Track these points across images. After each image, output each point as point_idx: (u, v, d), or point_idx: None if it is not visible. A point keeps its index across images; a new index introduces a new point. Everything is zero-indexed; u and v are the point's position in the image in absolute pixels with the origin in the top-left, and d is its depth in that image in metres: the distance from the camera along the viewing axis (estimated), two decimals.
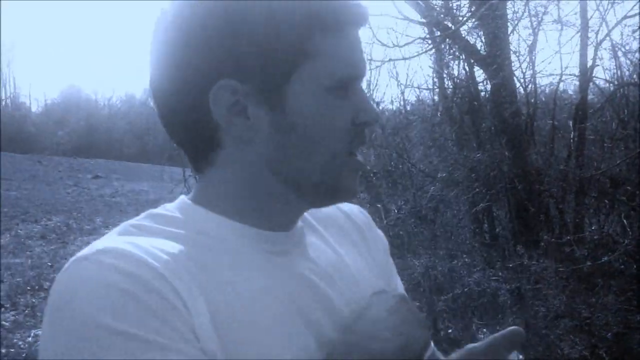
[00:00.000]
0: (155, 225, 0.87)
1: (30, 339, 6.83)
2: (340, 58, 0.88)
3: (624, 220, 5.82)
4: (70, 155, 29.88)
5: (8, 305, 7.87)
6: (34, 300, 8.14)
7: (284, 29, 0.85)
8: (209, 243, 0.87)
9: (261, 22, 0.85)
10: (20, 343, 6.69)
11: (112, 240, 0.83)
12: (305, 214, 1.02)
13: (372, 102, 0.92)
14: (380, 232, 1.19)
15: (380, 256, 1.15)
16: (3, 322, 7.25)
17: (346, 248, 1.06)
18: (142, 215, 0.91)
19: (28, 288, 8.62)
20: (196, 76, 0.87)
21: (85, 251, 0.81)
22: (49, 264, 10.11)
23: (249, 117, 0.88)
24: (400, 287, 1.18)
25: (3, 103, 37.59)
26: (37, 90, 68.02)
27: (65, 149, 31.48)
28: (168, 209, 0.93)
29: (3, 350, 6.46)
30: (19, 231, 12.57)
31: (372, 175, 7.68)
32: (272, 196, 0.92)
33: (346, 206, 1.13)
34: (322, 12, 0.87)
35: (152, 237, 0.84)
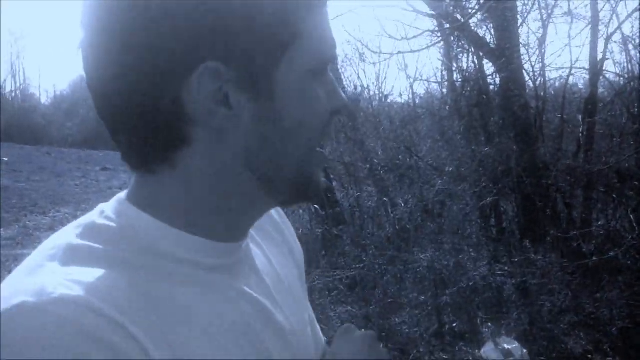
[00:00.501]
0: (95, 245, 0.74)
1: None
2: (323, 37, 0.79)
3: (631, 216, 5.77)
4: (79, 146, 30.00)
5: None
6: None
7: (276, 5, 0.74)
8: (159, 265, 0.76)
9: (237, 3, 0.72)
10: None
11: (49, 276, 0.68)
12: None
13: (337, 87, 0.82)
14: (292, 229, 1.11)
15: (298, 255, 1.09)
16: None
17: (273, 252, 0.99)
18: (76, 227, 0.78)
19: None
20: (170, 60, 0.72)
21: (21, 297, 0.64)
22: None
23: (231, 106, 0.75)
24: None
25: (13, 94, 37.74)
26: (47, 81, 68.14)
27: (74, 141, 31.61)
28: (107, 215, 0.79)
29: None
30: (27, 223, 12.61)
31: (379, 168, 7.66)
32: (239, 197, 0.81)
33: None
34: None
35: (94, 267, 0.70)
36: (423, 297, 5.46)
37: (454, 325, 5.25)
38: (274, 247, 1.00)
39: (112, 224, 0.78)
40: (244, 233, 0.87)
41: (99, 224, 0.78)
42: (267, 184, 0.81)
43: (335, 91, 0.81)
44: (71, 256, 0.72)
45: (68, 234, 0.77)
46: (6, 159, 21.19)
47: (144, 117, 0.75)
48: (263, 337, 0.83)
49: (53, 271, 0.69)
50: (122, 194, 0.83)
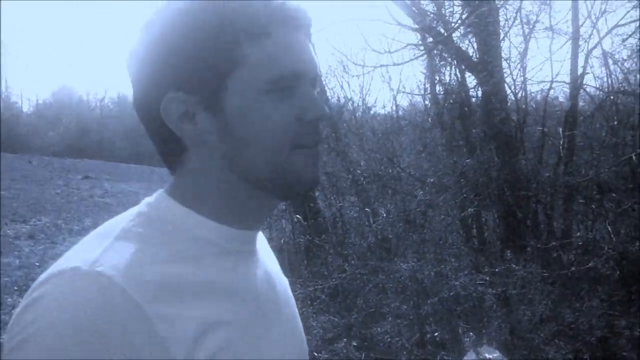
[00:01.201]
0: (139, 229, 0.95)
1: None
2: (272, 61, 0.93)
3: (610, 227, 5.85)
4: (61, 155, 29.83)
5: None
6: (20, 300, 8.10)
7: (212, 41, 0.91)
8: (185, 244, 0.96)
9: (192, 37, 0.92)
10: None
11: (107, 250, 0.90)
12: None
13: (317, 99, 0.97)
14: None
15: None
16: None
17: (275, 270, 1.19)
18: (129, 214, 0.99)
19: (15, 288, 8.58)
20: (151, 90, 0.97)
21: (78, 262, 0.87)
22: (37, 264, 10.06)
23: (196, 122, 0.96)
24: None
25: None
26: (29, 90, 67.64)
27: (57, 150, 31.43)
28: (149, 204, 1.01)
29: None
30: (8, 231, 12.52)
31: (362, 179, 7.69)
32: (235, 192, 1.00)
33: None
34: (247, 21, 0.92)
35: (134, 247, 0.91)
36: (405, 307, 5.48)
37: (436, 334, 5.29)
38: (278, 267, 1.22)
39: (152, 212, 0.99)
40: (256, 224, 1.07)
41: (143, 212, 0.99)
42: (252, 182, 0.99)
43: (308, 102, 0.96)
44: (123, 238, 0.93)
45: (123, 219, 0.98)
46: None
47: (150, 131, 1.02)
48: (269, 311, 1.05)
49: (106, 249, 0.89)
50: (163, 189, 1.04)
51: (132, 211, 1.00)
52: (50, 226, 13.33)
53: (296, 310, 1.20)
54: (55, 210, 15.37)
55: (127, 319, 0.82)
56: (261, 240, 1.15)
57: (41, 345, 0.80)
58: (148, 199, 1.02)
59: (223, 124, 0.95)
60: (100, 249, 0.89)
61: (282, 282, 1.18)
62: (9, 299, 8.11)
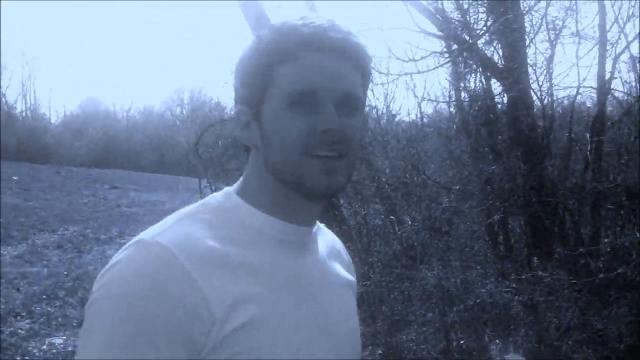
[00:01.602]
0: (204, 215, 1.15)
1: (45, 347, 6.87)
2: (293, 79, 1.11)
3: (638, 233, 5.77)
4: (88, 166, 30.15)
5: (24, 314, 7.91)
6: (49, 309, 8.18)
7: (255, 64, 1.15)
8: (239, 232, 1.15)
9: (245, 62, 1.18)
10: (35, 351, 6.73)
11: (171, 227, 1.11)
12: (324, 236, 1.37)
13: (331, 114, 1.11)
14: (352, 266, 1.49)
15: (354, 283, 1.43)
16: (19, 330, 7.29)
17: (337, 266, 1.37)
18: (199, 204, 1.20)
19: (44, 297, 8.67)
20: (234, 107, 1.24)
21: (146, 235, 1.10)
22: (65, 273, 10.17)
23: (251, 130, 1.18)
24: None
25: (24, 114, 37.99)
26: (57, 101, 68.41)
27: (84, 160, 31.75)
28: (215, 197, 1.21)
29: (18, 358, 6.49)
30: (36, 240, 12.67)
31: (386, 186, 7.67)
32: (277, 191, 1.18)
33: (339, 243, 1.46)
34: (279, 47, 1.12)
35: (194, 228, 1.11)
36: (430, 315, 5.46)
37: (462, 342, 5.25)
38: (340, 267, 1.38)
39: (214, 202, 1.20)
40: (305, 220, 1.22)
41: (207, 202, 1.20)
42: (280, 182, 1.16)
43: (321, 116, 1.11)
44: (187, 219, 1.14)
45: (191, 207, 1.19)
46: (16, 178, 21.33)
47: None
48: (310, 301, 1.19)
49: (170, 226, 1.11)
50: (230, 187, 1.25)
51: (200, 202, 1.21)
52: (77, 235, 13.47)
53: (352, 308, 1.36)
54: (83, 219, 15.53)
55: (176, 279, 1.02)
56: (326, 240, 1.36)
57: (111, 301, 1.02)
58: (215, 193, 1.23)
59: (263, 131, 1.15)
60: (165, 227, 1.11)
61: (339, 279, 1.33)
62: (38, 308, 8.20)
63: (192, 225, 1.11)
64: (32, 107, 39.86)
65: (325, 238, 1.37)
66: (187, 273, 1.02)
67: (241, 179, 1.24)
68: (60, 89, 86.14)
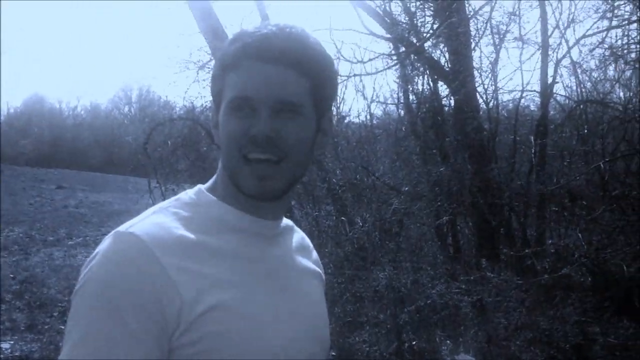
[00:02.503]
0: (175, 209, 1.23)
1: None
2: (234, 86, 1.20)
3: (580, 234, 5.95)
4: (33, 165, 29.48)
5: None
6: None
7: (213, 74, 1.27)
8: (207, 223, 1.23)
9: (215, 67, 1.28)
10: None
11: (143, 220, 1.19)
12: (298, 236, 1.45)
13: (263, 120, 1.18)
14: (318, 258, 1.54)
15: (322, 277, 1.49)
16: None
17: (304, 263, 1.41)
18: (172, 199, 1.28)
19: None
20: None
21: (122, 227, 1.18)
22: (11, 275, 9.98)
23: (217, 130, 1.26)
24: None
25: None
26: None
27: (29, 159, 31.01)
28: (188, 194, 1.29)
29: None
30: None
31: (337, 187, 7.74)
32: (234, 188, 1.25)
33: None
34: (229, 57, 1.22)
35: (166, 220, 1.19)
36: (382, 316, 5.53)
37: (414, 343, 5.33)
38: (307, 260, 1.43)
39: (186, 197, 1.27)
40: (269, 215, 1.29)
41: (180, 197, 1.28)
42: (229, 180, 1.25)
43: (253, 121, 1.18)
44: (160, 212, 1.22)
45: (167, 201, 1.27)
46: None
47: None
48: (287, 283, 1.28)
49: (144, 218, 1.20)
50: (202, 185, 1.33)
51: (174, 197, 1.29)
52: (23, 237, 13.21)
53: (317, 296, 1.41)
54: (29, 220, 15.21)
55: (146, 265, 1.10)
56: (296, 237, 1.43)
57: (92, 287, 1.11)
58: (188, 190, 1.31)
59: (219, 133, 1.25)
60: (140, 219, 1.19)
61: (306, 269, 1.40)
62: None
63: (165, 218, 1.20)
64: None
65: (295, 234, 1.43)
66: (156, 259, 1.10)
67: (214, 176, 1.32)
68: (2, 85, 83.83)
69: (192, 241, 1.17)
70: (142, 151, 7.95)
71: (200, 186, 1.31)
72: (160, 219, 1.19)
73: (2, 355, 6.64)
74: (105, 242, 1.16)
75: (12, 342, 7.06)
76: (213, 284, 1.14)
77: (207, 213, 1.24)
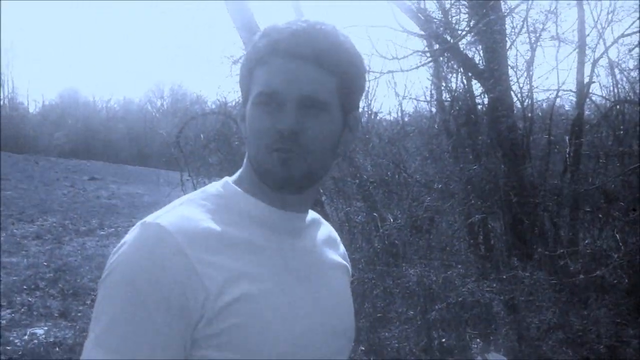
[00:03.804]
0: (201, 200, 1.25)
1: (26, 337, 6.87)
2: (262, 81, 1.22)
3: (617, 235, 5.88)
4: (67, 156, 29.89)
5: (5, 304, 7.90)
6: (30, 299, 8.17)
7: (242, 69, 1.28)
8: (237, 217, 1.25)
9: (244, 61, 1.28)
10: (17, 341, 6.73)
11: (170, 211, 1.22)
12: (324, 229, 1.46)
13: (290, 115, 1.20)
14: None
15: (348, 268, 1.51)
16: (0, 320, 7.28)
17: (330, 254, 1.44)
18: (199, 191, 1.30)
19: (24, 287, 8.65)
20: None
21: (149, 218, 1.20)
22: (45, 263, 10.14)
23: (245, 124, 1.28)
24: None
25: (1, 102, 37.48)
26: (36, 91, 67.47)
27: (62, 151, 31.47)
28: (214, 185, 1.31)
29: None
30: (15, 231, 12.60)
31: (368, 184, 7.72)
32: (259, 180, 1.28)
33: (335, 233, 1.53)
34: (257, 53, 1.24)
35: (193, 211, 1.21)
36: (412, 312, 5.51)
37: (443, 340, 5.32)
38: (333, 253, 1.45)
39: (213, 190, 1.30)
40: (295, 208, 1.30)
41: (207, 189, 1.30)
42: (255, 173, 1.27)
43: (279, 116, 1.20)
44: (186, 204, 1.24)
45: (194, 193, 1.30)
46: None
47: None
48: (311, 276, 1.30)
49: (170, 210, 1.22)
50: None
51: (200, 189, 1.31)
52: (57, 226, 13.41)
53: (341, 288, 1.42)
54: (62, 210, 15.46)
55: (171, 256, 1.12)
56: (323, 230, 1.45)
57: (118, 276, 1.13)
58: (215, 182, 1.33)
59: (246, 126, 1.27)
60: (166, 210, 1.22)
61: (332, 262, 1.41)
62: (18, 298, 8.19)
63: (191, 209, 1.22)
64: (10, 96, 39.38)
65: (322, 228, 1.46)
66: (181, 251, 1.12)
67: (241, 169, 1.34)
68: (38, 79, 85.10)
69: (218, 233, 1.19)
70: (175, 144, 8.01)
71: (227, 178, 1.33)
72: (187, 211, 1.21)
73: (36, 341, 6.75)
74: (132, 233, 1.19)
75: (46, 328, 7.19)
76: (237, 276, 1.16)
77: (232, 205, 1.27)
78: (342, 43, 1.24)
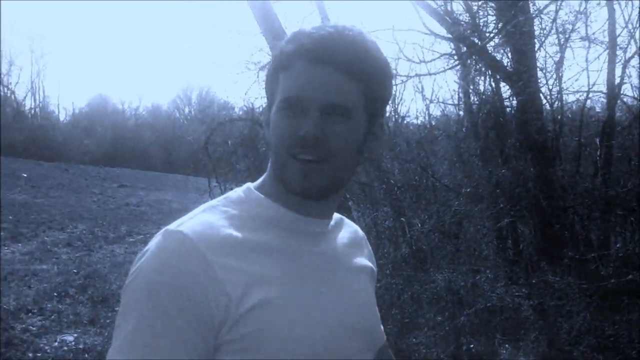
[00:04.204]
0: (224, 207, 1.25)
1: (56, 343, 6.90)
2: (287, 86, 1.21)
3: None
4: (96, 164, 30.20)
5: (35, 310, 7.96)
6: (60, 306, 8.22)
7: (268, 73, 1.27)
8: (259, 222, 1.24)
9: (270, 66, 1.28)
10: (47, 348, 6.76)
11: (192, 218, 1.21)
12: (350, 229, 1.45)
13: (313, 121, 1.19)
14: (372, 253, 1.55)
15: (374, 272, 1.50)
16: (30, 327, 7.33)
17: (357, 257, 1.42)
18: (222, 197, 1.30)
19: (54, 294, 8.71)
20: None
21: (172, 225, 1.20)
22: (75, 271, 10.20)
23: (268, 129, 1.27)
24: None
25: (33, 112, 38.00)
26: (65, 99, 68.38)
27: (92, 158, 31.80)
28: (236, 191, 1.31)
29: (30, 355, 6.53)
30: (45, 238, 12.71)
31: (395, 188, 7.68)
32: (282, 187, 1.26)
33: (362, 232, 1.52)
34: (282, 58, 1.23)
35: (214, 218, 1.21)
36: (440, 318, 5.46)
37: (472, 346, 5.25)
38: (357, 255, 1.43)
39: (235, 196, 1.29)
40: (318, 213, 1.29)
41: (229, 196, 1.30)
42: (276, 178, 1.26)
43: (301, 123, 1.19)
44: (209, 210, 1.24)
45: (216, 200, 1.29)
46: (25, 175, 21.40)
47: None
48: (333, 280, 1.28)
49: (193, 217, 1.21)
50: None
51: (223, 196, 1.31)
52: (87, 234, 13.50)
53: (365, 291, 1.39)
54: (92, 218, 15.57)
55: (193, 263, 1.12)
56: (348, 232, 1.44)
57: (141, 283, 1.13)
58: (237, 188, 1.32)
59: (269, 131, 1.25)
60: (189, 217, 1.21)
61: (356, 265, 1.40)
62: (49, 305, 8.24)
63: (213, 216, 1.22)
64: (41, 104, 39.90)
65: (347, 229, 1.44)
66: (203, 257, 1.12)
67: (264, 175, 1.33)
68: (68, 86, 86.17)
69: (239, 239, 1.19)
70: (203, 151, 8.04)
71: (249, 184, 1.33)
72: (209, 217, 1.21)
73: (66, 348, 6.78)
74: (155, 240, 1.19)
75: (75, 335, 7.21)
76: (259, 281, 1.15)
77: (254, 210, 1.26)
78: (369, 50, 1.22)
